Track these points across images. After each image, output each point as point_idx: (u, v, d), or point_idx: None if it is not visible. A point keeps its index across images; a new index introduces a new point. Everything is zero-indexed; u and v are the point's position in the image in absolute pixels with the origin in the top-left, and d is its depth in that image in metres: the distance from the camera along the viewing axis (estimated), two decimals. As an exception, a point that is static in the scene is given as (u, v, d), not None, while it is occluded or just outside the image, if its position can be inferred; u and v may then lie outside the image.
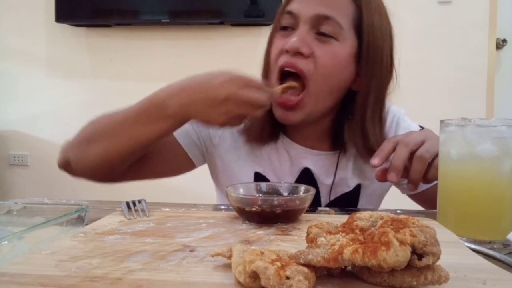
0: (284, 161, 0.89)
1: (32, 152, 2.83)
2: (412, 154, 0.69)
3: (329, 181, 0.88)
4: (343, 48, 0.78)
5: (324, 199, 0.88)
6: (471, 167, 0.58)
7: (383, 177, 0.71)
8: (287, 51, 0.77)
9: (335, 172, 0.88)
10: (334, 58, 0.78)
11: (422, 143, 0.70)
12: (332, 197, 0.89)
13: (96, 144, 0.78)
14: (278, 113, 0.81)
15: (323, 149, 0.89)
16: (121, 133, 0.75)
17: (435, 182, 0.72)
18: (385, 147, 0.71)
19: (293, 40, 0.76)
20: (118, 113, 0.79)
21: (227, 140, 0.91)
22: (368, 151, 0.81)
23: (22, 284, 0.37)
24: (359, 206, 0.90)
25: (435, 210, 0.64)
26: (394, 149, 0.70)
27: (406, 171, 0.71)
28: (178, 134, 0.87)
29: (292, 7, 0.80)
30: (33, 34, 2.76)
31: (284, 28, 0.81)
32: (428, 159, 0.68)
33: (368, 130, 0.81)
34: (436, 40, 2.44)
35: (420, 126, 0.95)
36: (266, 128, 0.87)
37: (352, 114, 0.82)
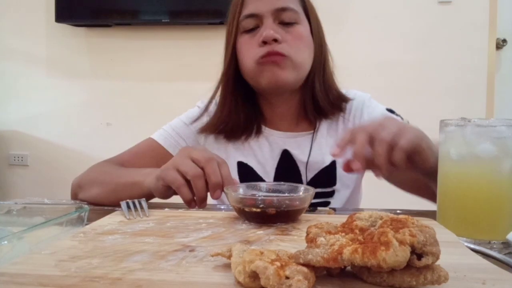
0: (264, 148, 0.99)
1: (32, 152, 2.83)
2: (372, 138, 0.66)
3: (306, 159, 0.96)
4: (304, 29, 0.92)
5: (304, 177, 0.96)
6: (471, 167, 0.58)
7: (349, 168, 0.68)
8: (264, 42, 0.88)
9: (310, 150, 0.96)
10: (302, 37, 0.91)
11: (382, 127, 0.66)
12: (311, 174, 0.96)
13: (93, 189, 0.87)
14: (267, 75, 0.90)
15: (299, 131, 0.99)
16: (110, 191, 0.84)
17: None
18: (344, 136, 0.68)
19: (267, 31, 0.87)
20: (113, 169, 0.91)
21: (211, 138, 1.00)
22: (320, 108, 0.95)
23: (22, 284, 0.37)
24: (338, 181, 0.96)
25: (435, 210, 0.64)
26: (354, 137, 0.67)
27: (371, 164, 0.67)
28: (166, 144, 0.97)
29: (251, 9, 0.91)
30: (33, 34, 2.76)
31: (249, 30, 0.91)
32: (387, 139, 0.63)
33: (315, 89, 0.94)
34: (436, 40, 2.44)
35: (388, 109, 0.99)
36: (250, 126, 0.97)
37: (306, 80, 0.95)
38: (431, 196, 0.78)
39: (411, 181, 0.88)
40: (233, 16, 0.93)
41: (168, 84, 2.66)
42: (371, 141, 0.65)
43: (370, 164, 0.67)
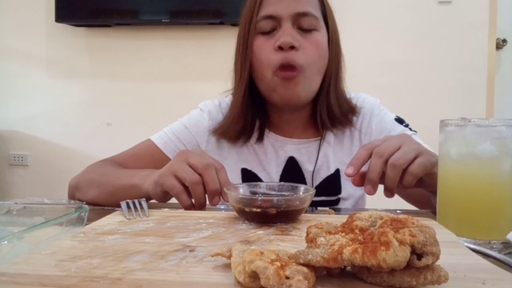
0: (270, 154, 0.96)
1: (32, 152, 2.83)
2: (387, 161, 0.68)
3: (312, 167, 0.94)
4: (322, 36, 0.90)
5: (309, 185, 0.93)
6: (470, 167, 0.58)
7: (360, 182, 0.70)
8: (280, 48, 0.85)
9: (316, 158, 0.94)
10: (319, 46, 0.89)
11: (397, 150, 0.68)
12: (316, 182, 0.95)
13: (91, 191, 0.86)
14: (280, 93, 0.88)
15: (306, 137, 0.96)
16: (108, 193, 0.83)
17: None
18: (360, 156, 0.69)
19: (284, 37, 0.84)
20: (111, 170, 0.89)
21: (213, 143, 0.98)
22: (332, 120, 0.93)
23: (22, 284, 0.37)
24: (343, 190, 0.95)
25: (435, 210, 0.64)
26: (369, 156, 0.69)
27: (383, 177, 0.69)
28: (166, 150, 0.95)
29: (270, 10, 0.87)
30: (33, 34, 2.76)
31: (265, 32, 0.88)
32: (402, 166, 0.66)
33: (331, 101, 0.92)
34: (436, 40, 2.44)
35: (396, 118, 0.98)
36: (255, 131, 0.95)
37: (321, 90, 0.93)
38: (430, 208, 0.79)
39: (414, 195, 0.88)
40: (250, 15, 0.89)
41: (168, 84, 2.66)
42: (384, 162, 0.67)
43: (380, 181, 0.68)
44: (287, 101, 0.89)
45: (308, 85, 0.88)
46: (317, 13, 0.89)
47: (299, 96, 0.88)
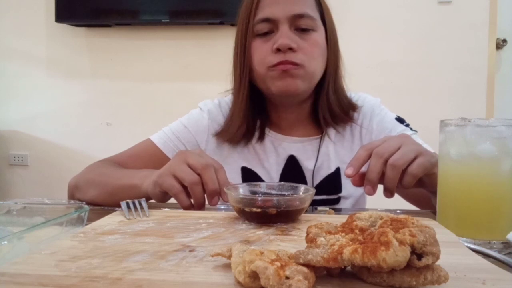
0: (270, 153, 0.96)
1: (32, 152, 2.83)
2: (387, 161, 0.68)
3: (312, 165, 0.94)
4: (320, 36, 0.90)
5: (309, 184, 0.94)
6: (470, 167, 0.58)
7: (359, 182, 0.70)
8: (278, 50, 0.85)
9: (317, 156, 0.94)
10: (317, 46, 0.89)
11: (396, 151, 0.68)
12: (317, 181, 0.95)
13: (90, 191, 0.86)
14: (278, 84, 0.87)
15: (306, 135, 0.96)
16: (107, 193, 0.83)
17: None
18: (360, 156, 0.69)
19: (282, 39, 0.85)
20: (110, 170, 0.89)
21: (213, 143, 0.98)
22: (333, 117, 0.93)
23: (22, 284, 0.37)
24: (343, 188, 0.95)
25: (435, 210, 0.64)
26: (369, 157, 0.69)
27: (383, 177, 0.69)
28: (165, 149, 0.95)
29: (266, 13, 0.87)
30: (33, 34, 2.76)
31: (262, 33, 0.88)
32: (402, 166, 0.66)
33: (330, 98, 0.92)
34: (436, 40, 2.44)
35: (397, 118, 0.98)
36: (256, 130, 0.95)
37: (320, 88, 0.93)
38: (431, 208, 0.79)
39: (414, 195, 0.88)
40: (247, 18, 0.89)
41: (168, 84, 2.66)
42: (384, 162, 0.67)
43: (380, 181, 0.68)
44: (286, 92, 0.88)
45: (307, 79, 0.88)
46: (314, 13, 0.89)
47: (297, 87, 0.87)
